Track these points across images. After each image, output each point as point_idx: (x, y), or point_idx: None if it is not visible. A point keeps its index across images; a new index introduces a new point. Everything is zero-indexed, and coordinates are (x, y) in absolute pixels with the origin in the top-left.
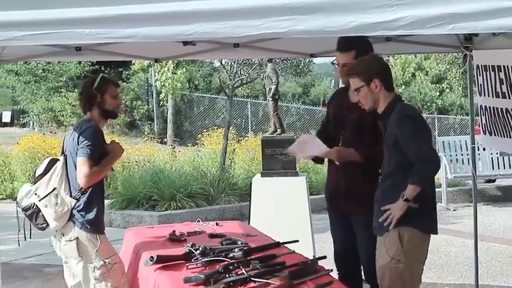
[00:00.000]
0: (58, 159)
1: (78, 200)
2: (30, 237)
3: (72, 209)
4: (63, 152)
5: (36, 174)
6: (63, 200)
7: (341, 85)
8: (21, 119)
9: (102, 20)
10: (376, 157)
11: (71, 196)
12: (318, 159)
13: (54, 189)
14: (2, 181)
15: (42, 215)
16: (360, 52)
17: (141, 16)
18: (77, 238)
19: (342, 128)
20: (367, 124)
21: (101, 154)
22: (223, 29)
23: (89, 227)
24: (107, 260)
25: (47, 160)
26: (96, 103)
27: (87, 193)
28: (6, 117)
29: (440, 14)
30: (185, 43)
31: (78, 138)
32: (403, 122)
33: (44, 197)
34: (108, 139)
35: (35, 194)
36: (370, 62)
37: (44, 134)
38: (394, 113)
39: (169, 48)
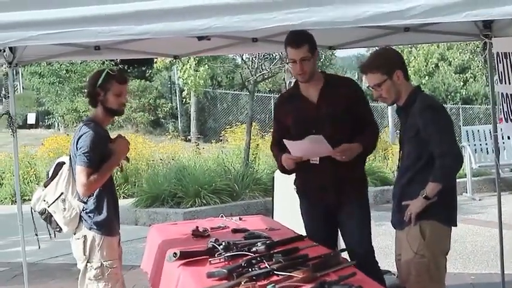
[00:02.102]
0: (64, 163)
1: (86, 202)
2: (55, 236)
3: (81, 212)
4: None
5: (49, 176)
6: (70, 205)
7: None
8: (46, 121)
9: (115, 18)
10: (371, 141)
11: (79, 199)
12: (287, 171)
13: (61, 194)
14: (27, 182)
15: (55, 219)
16: (311, 46)
17: (154, 12)
18: (84, 237)
19: (313, 127)
20: (342, 115)
21: (103, 156)
22: (237, 23)
23: (96, 228)
24: (105, 263)
25: (56, 162)
26: (99, 101)
27: (95, 195)
28: (31, 119)
29: (453, 2)
30: (199, 38)
31: (77, 143)
32: (426, 113)
33: (52, 203)
34: (132, 138)
35: (44, 201)
36: (388, 54)
37: (68, 134)
38: (416, 103)
39: (188, 44)
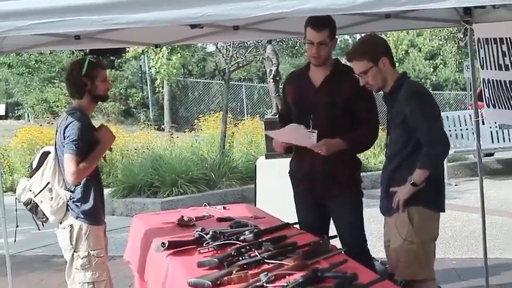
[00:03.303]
0: (49, 152)
1: (73, 191)
2: (43, 225)
3: (68, 201)
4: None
5: (32, 166)
6: (57, 194)
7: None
8: (16, 111)
9: (109, 6)
10: (362, 139)
11: (65, 188)
12: (288, 150)
13: (48, 183)
14: (1, 174)
15: (41, 210)
16: (332, 32)
17: (148, 1)
18: (70, 226)
19: (310, 112)
20: (340, 105)
21: (90, 144)
22: (230, 11)
23: (83, 217)
24: (92, 252)
25: (40, 152)
26: (87, 90)
27: (82, 184)
28: (1, 110)
29: None
30: (193, 26)
31: (64, 132)
32: (412, 100)
33: (39, 192)
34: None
35: (30, 190)
36: (374, 41)
37: (40, 125)
38: (402, 90)
39: (170, 32)
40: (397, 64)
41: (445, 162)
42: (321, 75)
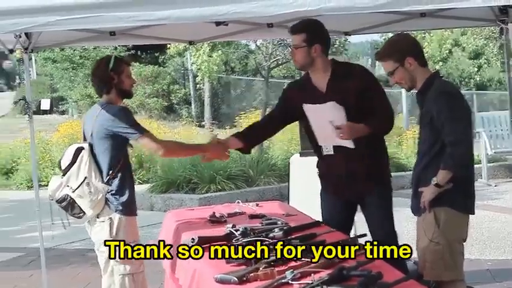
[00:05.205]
0: (83, 148)
1: (110, 184)
2: (69, 225)
3: (106, 194)
4: (84, 138)
5: (62, 165)
6: (96, 188)
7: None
8: (60, 106)
9: (135, 3)
10: (377, 123)
11: (103, 182)
12: None
13: (85, 178)
14: (43, 168)
15: (78, 205)
16: (310, 37)
17: None
18: (110, 218)
19: None
20: (351, 104)
21: None
22: (255, 9)
23: (122, 208)
24: (131, 244)
25: (72, 149)
26: (114, 84)
27: (119, 177)
28: (45, 104)
29: None
30: (217, 24)
31: (108, 123)
32: (440, 99)
33: (77, 187)
34: (146, 124)
35: (67, 186)
36: (398, 41)
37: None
38: (432, 89)
39: (203, 29)
40: (440, 63)
41: (484, 163)
42: (323, 79)
